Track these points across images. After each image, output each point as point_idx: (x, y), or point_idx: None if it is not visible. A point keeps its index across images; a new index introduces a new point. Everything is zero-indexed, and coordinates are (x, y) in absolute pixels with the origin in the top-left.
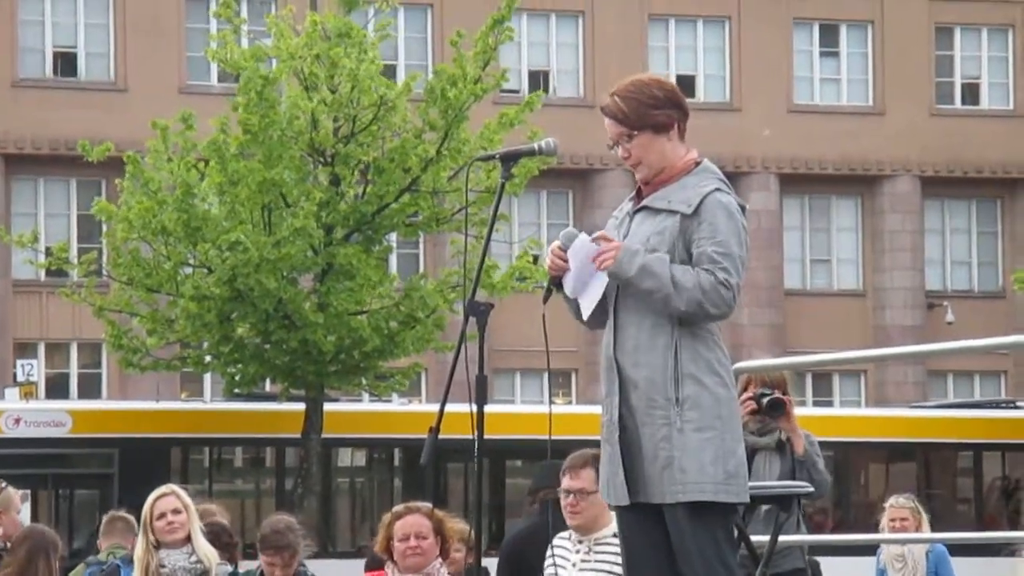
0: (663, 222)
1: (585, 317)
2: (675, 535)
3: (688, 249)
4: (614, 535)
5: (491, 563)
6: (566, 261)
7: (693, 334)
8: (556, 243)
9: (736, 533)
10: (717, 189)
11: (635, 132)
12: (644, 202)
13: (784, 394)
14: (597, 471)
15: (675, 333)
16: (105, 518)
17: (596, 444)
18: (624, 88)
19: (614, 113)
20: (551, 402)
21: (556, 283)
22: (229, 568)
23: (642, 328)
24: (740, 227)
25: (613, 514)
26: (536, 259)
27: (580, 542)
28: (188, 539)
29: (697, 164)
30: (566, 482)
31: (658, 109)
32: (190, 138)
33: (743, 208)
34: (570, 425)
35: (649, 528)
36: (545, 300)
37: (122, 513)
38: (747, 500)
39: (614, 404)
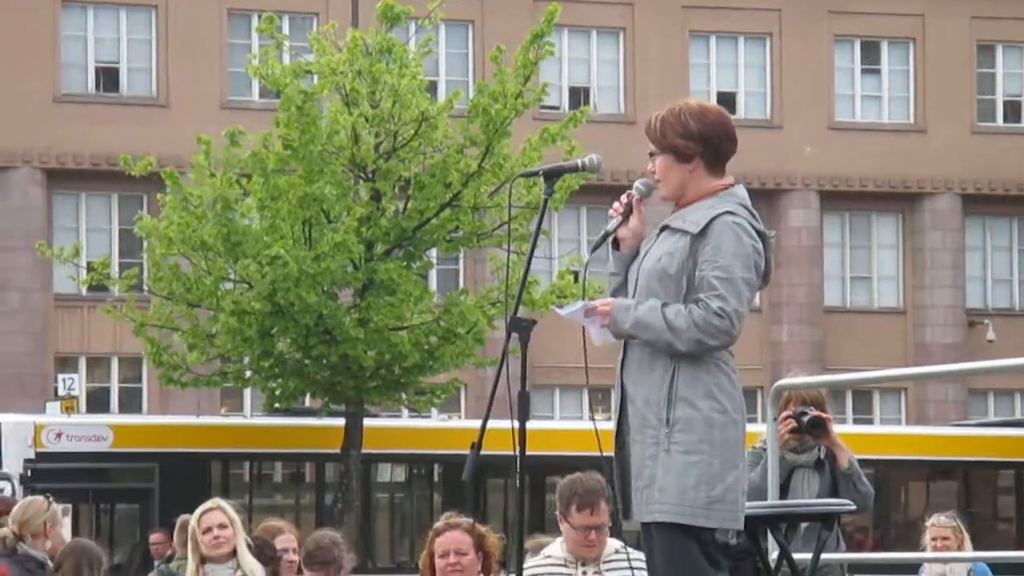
0: (676, 243)
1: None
2: (647, 553)
3: (695, 270)
4: (616, 551)
5: None
6: (628, 210)
7: (695, 358)
8: (627, 191)
9: (779, 550)
10: (729, 212)
11: (659, 152)
12: (665, 221)
13: (822, 412)
14: (606, 499)
15: (675, 355)
16: (179, 522)
17: None
18: (670, 109)
19: (649, 129)
20: (593, 418)
21: (610, 234)
22: None
23: (646, 347)
24: (749, 249)
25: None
26: (577, 276)
27: (584, 565)
28: (233, 554)
29: (727, 188)
30: (584, 518)
31: (683, 139)
32: (234, 154)
33: (762, 235)
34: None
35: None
36: (592, 251)
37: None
38: (736, 526)
39: (616, 421)
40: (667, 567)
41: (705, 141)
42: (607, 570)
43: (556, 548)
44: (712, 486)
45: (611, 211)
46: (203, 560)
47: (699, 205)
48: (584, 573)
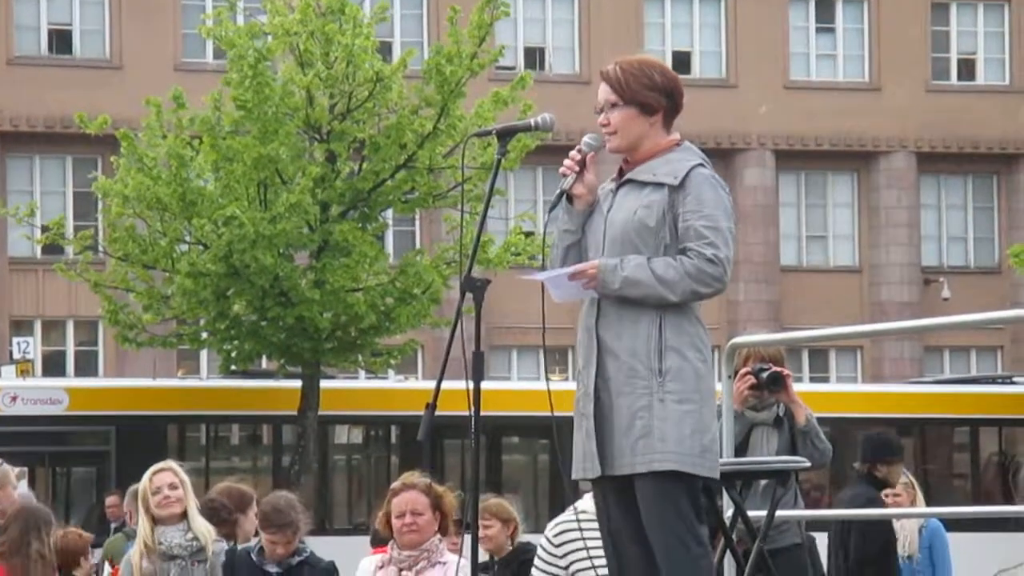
0: (650, 195)
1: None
2: (644, 505)
3: (676, 222)
4: None
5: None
6: (580, 166)
7: (678, 308)
8: (577, 147)
9: (734, 508)
10: (700, 164)
11: (622, 103)
12: (628, 175)
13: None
14: None
15: (660, 306)
16: (129, 492)
17: None
18: (629, 62)
19: (612, 80)
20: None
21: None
22: (226, 544)
23: (627, 300)
24: (726, 201)
25: None
26: (528, 235)
27: None
28: (184, 516)
29: (678, 144)
30: None
31: (651, 91)
32: (183, 116)
33: (724, 188)
34: (567, 402)
35: (627, 500)
36: (550, 211)
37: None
38: (717, 476)
39: (591, 375)
40: (664, 516)
41: (669, 95)
42: None
43: (588, 503)
44: (703, 435)
45: (563, 169)
46: (154, 522)
47: (666, 158)
48: None
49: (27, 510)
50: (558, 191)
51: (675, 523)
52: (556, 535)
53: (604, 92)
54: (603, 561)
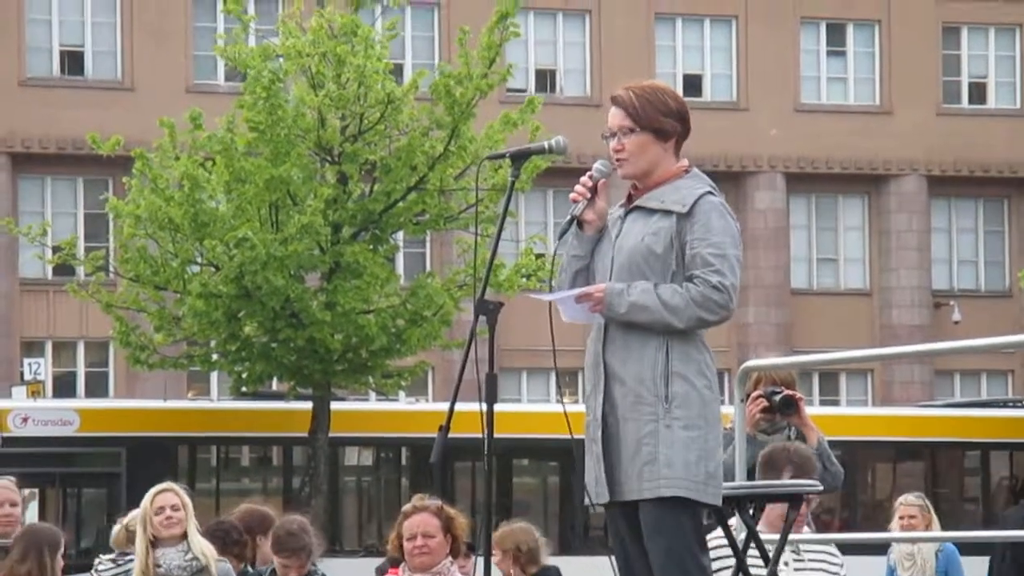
0: (658, 222)
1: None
2: (647, 530)
3: (684, 250)
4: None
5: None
6: (592, 193)
7: (684, 335)
8: (588, 173)
9: (746, 532)
10: (709, 192)
11: (638, 129)
12: (637, 202)
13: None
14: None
15: (667, 333)
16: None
17: None
18: (642, 87)
19: (626, 105)
20: (563, 401)
21: (576, 218)
22: (229, 564)
23: (633, 326)
24: (734, 229)
25: None
26: (538, 257)
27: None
28: (184, 537)
29: (687, 171)
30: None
31: (666, 117)
32: (198, 137)
33: (732, 216)
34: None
35: (637, 526)
36: (560, 236)
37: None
38: (720, 503)
39: (598, 402)
40: (669, 543)
41: (682, 120)
42: (807, 551)
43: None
44: (708, 462)
45: (574, 195)
46: (153, 543)
47: (675, 185)
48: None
49: (29, 531)
50: (568, 216)
51: (677, 549)
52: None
53: (618, 117)
54: None
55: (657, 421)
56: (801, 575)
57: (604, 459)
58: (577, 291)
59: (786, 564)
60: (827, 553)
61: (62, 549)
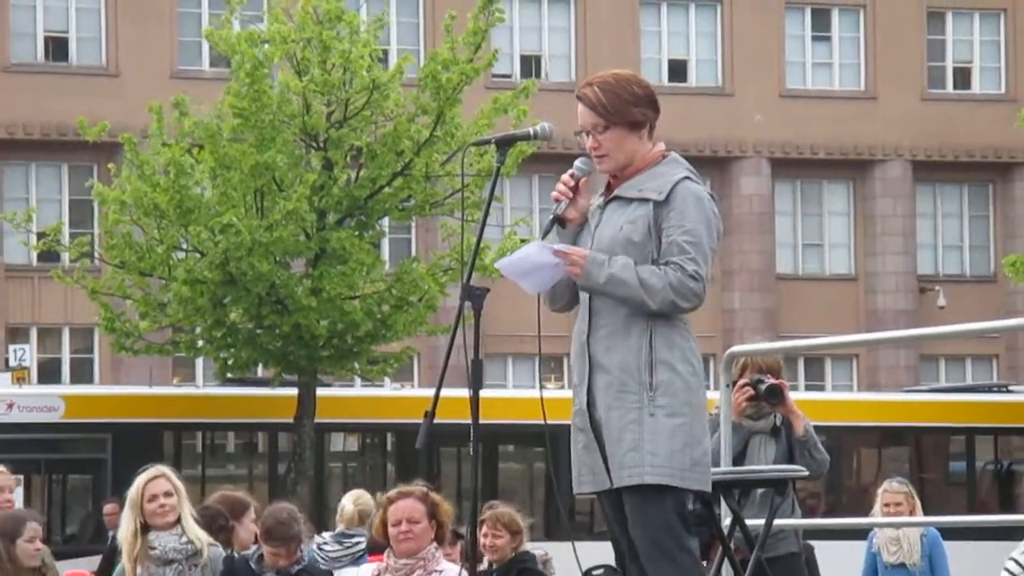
0: (636, 211)
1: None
2: (631, 517)
3: (662, 237)
4: None
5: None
6: (573, 191)
7: (668, 322)
8: (569, 171)
9: (732, 517)
10: (686, 177)
11: (610, 125)
12: (615, 192)
13: (778, 379)
14: None
15: (650, 320)
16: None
17: None
18: (604, 80)
19: (592, 104)
20: (542, 387)
21: (559, 217)
22: (223, 551)
23: (617, 314)
24: (710, 215)
25: None
26: (524, 241)
27: None
28: (178, 521)
29: (664, 156)
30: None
31: (636, 107)
32: (184, 123)
33: (712, 197)
34: (563, 410)
35: (624, 514)
36: (543, 235)
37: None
38: (709, 489)
39: (583, 390)
40: (652, 530)
41: (652, 104)
42: None
43: None
44: (694, 449)
45: (556, 194)
46: (145, 528)
47: (652, 172)
48: None
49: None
50: (550, 216)
51: (661, 535)
52: None
53: (588, 116)
54: None
55: (641, 409)
56: None
57: (591, 449)
58: (557, 246)
59: None
60: None
61: (27, 535)
